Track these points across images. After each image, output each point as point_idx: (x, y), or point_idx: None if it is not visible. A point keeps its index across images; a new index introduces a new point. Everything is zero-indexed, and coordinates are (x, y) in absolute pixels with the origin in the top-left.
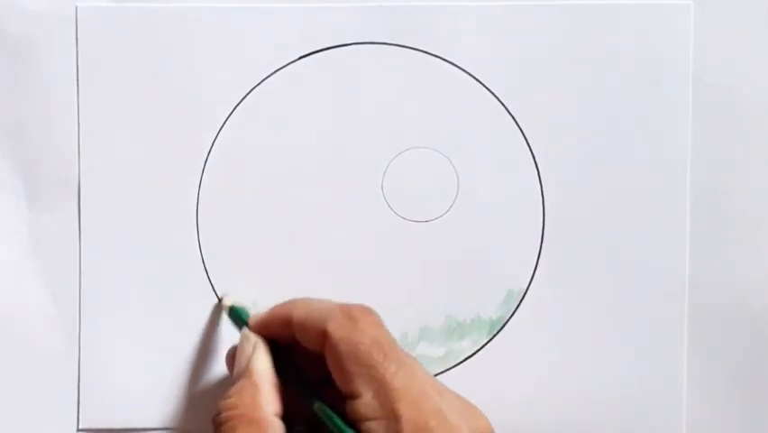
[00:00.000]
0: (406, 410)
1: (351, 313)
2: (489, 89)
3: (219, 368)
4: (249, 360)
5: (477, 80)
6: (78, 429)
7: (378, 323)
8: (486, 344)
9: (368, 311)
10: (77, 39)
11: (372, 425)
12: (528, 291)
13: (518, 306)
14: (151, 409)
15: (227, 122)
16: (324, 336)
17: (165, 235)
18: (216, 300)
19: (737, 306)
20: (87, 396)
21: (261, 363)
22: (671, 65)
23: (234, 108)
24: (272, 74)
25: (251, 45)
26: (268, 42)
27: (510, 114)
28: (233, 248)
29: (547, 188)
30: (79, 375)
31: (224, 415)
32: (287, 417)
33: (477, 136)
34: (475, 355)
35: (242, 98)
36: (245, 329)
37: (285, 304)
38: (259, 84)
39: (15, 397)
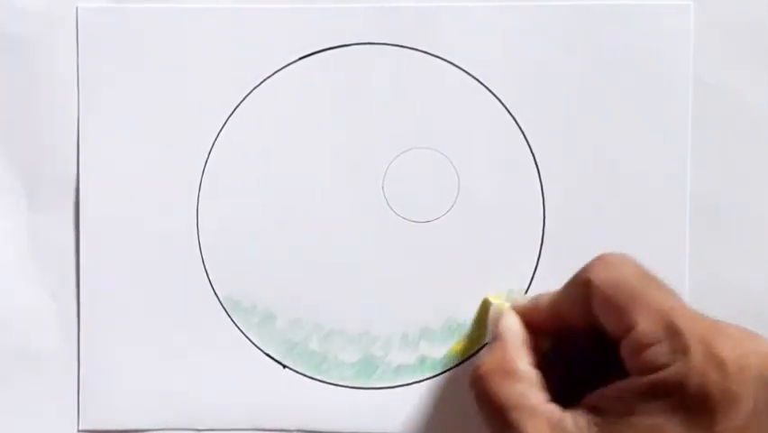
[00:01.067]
0: (686, 325)
1: (604, 258)
2: (489, 90)
3: (219, 368)
4: (498, 324)
5: (478, 81)
6: (79, 430)
7: (632, 261)
8: (486, 344)
9: (618, 253)
10: (77, 39)
11: (656, 348)
12: (529, 292)
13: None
14: (152, 409)
15: (227, 122)
16: (587, 285)
17: (165, 236)
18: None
19: (738, 306)
20: (87, 397)
21: (509, 323)
22: (671, 65)
23: (235, 109)
24: (273, 75)
25: (252, 46)
26: (268, 43)
27: (511, 114)
28: (234, 248)
29: (547, 188)
30: (79, 376)
31: (478, 372)
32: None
33: (477, 137)
34: (476, 356)
35: (243, 99)
36: (494, 304)
37: (541, 295)
38: (259, 84)
39: (15, 398)
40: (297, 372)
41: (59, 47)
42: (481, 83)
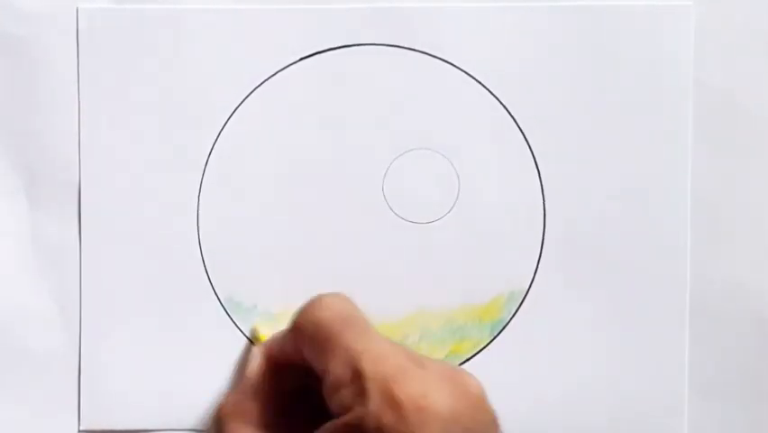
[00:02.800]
0: (369, 367)
1: (313, 299)
2: (489, 91)
3: (220, 369)
4: (247, 364)
5: (478, 82)
6: (80, 430)
7: (342, 300)
8: (487, 345)
9: (331, 294)
10: (77, 40)
11: (343, 392)
12: (529, 293)
13: (519, 307)
14: (153, 410)
15: (228, 123)
16: (296, 330)
17: (166, 236)
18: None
19: (739, 306)
20: (88, 397)
21: (252, 366)
22: (671, 66)
23: (235, 110)
24: (273, 75)
25: (252, 47)
26: (268, 44)
27: (511, 115)
28: (234, 249)
29: (548, 188)
30: (80, 376)
31: (215, 412)
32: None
33: (478, 138)
34: (476, 357)
35: (243, 100)
36: (252, 347)
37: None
38: (259, 85)
39: (16, 398)
40: None
41: (59, 47)
42: (481, 84)
